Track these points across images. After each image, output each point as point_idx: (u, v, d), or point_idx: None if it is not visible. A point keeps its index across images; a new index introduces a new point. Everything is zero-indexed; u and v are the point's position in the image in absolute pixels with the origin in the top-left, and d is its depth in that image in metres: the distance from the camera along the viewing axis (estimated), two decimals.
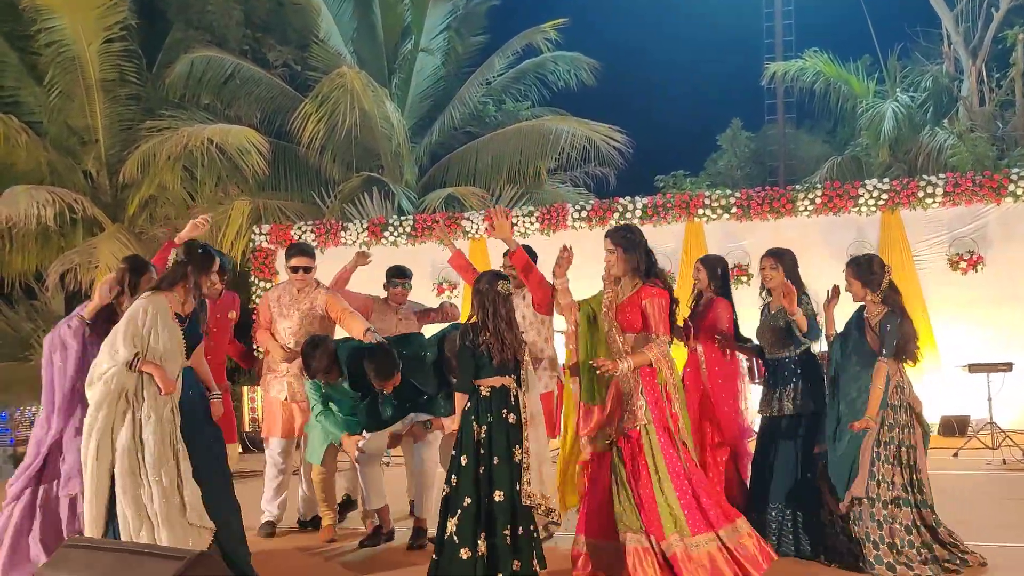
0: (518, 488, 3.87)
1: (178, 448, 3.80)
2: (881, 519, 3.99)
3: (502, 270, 5.01)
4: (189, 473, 3.79)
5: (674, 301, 4.15)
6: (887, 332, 4.09)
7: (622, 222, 10.14)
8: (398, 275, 5.83)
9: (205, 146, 11.96)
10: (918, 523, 4.05)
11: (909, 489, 4.06)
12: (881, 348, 4.10)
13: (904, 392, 4.14)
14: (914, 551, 3.95)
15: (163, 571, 2.62)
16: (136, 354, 3.73)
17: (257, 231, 11.79)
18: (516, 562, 3.81)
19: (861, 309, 4.36)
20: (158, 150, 11.98)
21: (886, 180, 9.89)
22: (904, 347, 4.15)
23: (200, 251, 4.07)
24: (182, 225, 12.43)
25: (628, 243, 4.09)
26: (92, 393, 3.77)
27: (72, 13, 11.84)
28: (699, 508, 3.80)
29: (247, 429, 10.28)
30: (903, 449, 4.08)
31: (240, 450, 10.08)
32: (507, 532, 3.81)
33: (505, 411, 3.95)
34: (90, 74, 12.34)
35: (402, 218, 11.36)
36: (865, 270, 4.25)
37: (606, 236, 4.23)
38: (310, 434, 5.19)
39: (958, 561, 4.00)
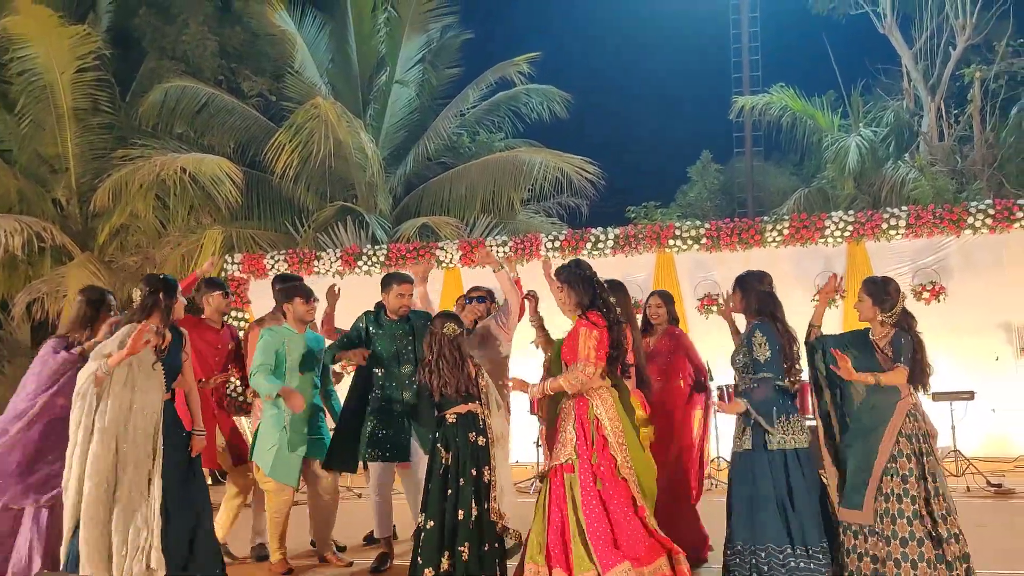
0: (486, 506, 4.06)
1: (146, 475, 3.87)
2: (916, 557, 3.77)
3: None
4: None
5: (615, 334, 4.11)
6: (901, 344, 3.99)
7: (594, 252, 10.31)
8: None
9: (178, 175, 11.94)
10: (945, 558, 3.83)
11: (946, 521, 3.89)
12: (897, 358, 3.96)
13: (919, 420, 4.01)
14: None
15: None
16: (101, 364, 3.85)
17: (230, 260, 11.75)
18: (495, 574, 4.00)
19: (864, 331, 4.25)
20: (130, 179, 11.93)
21: (851, 212, 10.14)
22: (918, 373, 4.07)
23: (163, 279, 4.19)
24: (153, 254, 12.55)
25: (572, 278, 4.16)
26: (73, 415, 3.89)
27: (45, 42, 11.82)
28: (614, 544, 3.79)
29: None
30: (925, 479, 3.90)
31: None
32: (464, 549, 3.96)
33: (473, 434, 4.14)
34: (62, 103, 12.30)
35: (376, 247, 11.39)
36: (880, 289, 4.16)
37: (555, 276, 4.29)
38: (278, 452, 4.89)
39: None
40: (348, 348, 5.07)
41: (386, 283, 5.18)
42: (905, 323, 4.13)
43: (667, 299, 5.27)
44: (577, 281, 4.14)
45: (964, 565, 3.86)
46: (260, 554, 5.38)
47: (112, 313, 4.64)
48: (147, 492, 3.84)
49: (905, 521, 3.81)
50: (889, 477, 3.89)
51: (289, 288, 5.22)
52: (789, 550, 3.97)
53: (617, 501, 3.87)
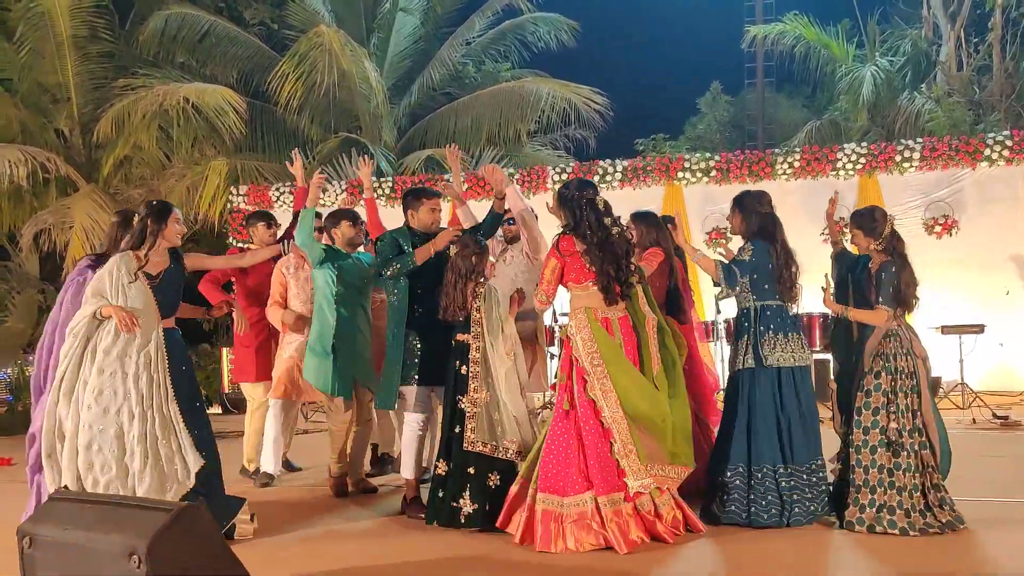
0: (457, 431, 4.19)
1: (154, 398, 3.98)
2: (868, 463, 3.99)
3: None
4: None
5: (595, 257, 3.99)
6: (882, 280, 4.08)
7: (602, 185, 10.19)
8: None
9: (181, 105, 11.78)
10: (920, 465, 3.99)
11: (912, 434, 4.00)
12: (877, 297, 4.09)
13: (902, 339, 4.10)
14: (919, 494, 3.93)
15: (150, 523, 2.63)
16: (99, 308, 3.93)
17: (235, 192, 11.69)
18: (463, 498, 4.11)
19: (866, 260, 4.32)
20: (132, 109, 11.78)
21: (864, 144, 9.98)
22: (901, 294, 4.10)
23: (155, 204, 4.20)
24: (158, 186, 12.49)
25: (560, 199, 4.13)
26: (63, 347, 4.00)
27: None
28: (578, 471, 3.79)
29: (227, 390, 10.27)
30: (902, 395, 4.02)
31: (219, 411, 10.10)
32: (439, 465, 4.25)
33: (457, 362, 4.28)
34: (61, 30, 12.06)
35: (381, 179, 11.29)
36: (867, 219, 4.24)
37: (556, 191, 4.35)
38: (326, 367, 4.90)
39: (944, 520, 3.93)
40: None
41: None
42: (892, 247, 4.19)
43: (637, 219, 4.79)
44: (563, 201, 4.11)
45: (937, 474, 4.06)
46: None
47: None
48: (162, 414, 3.95)
49: (862, 431, 4.04)
50: (860, 393, 4.10)
51: (332, 213, 5.22)
52: (782, 469, 4.08)
53: (585, 423, 3.86)
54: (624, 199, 9.82)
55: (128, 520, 2.70)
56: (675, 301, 4.77)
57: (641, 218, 4.82)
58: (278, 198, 11.32)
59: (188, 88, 11.93)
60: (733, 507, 4.09)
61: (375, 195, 5.58)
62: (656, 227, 4.79)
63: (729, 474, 4.13)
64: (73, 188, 12.29)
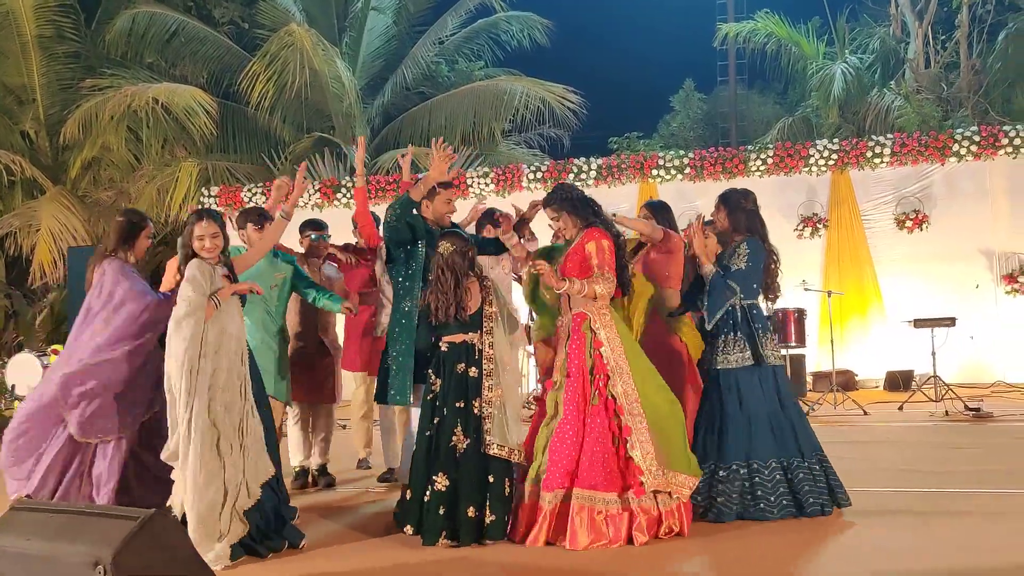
0: (476, 437, 3.92)
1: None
2: None
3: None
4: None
5: (621, 248, 4.07)
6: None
7: (577, 183, 10.18)
8: (312, 227, 5.56)
9: (150, 106, 11.62)
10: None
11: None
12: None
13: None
14: None
15: (115, 532, 2.56)
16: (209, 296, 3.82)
17: (206, 193, 11.55)
18: (470, 508, 3.83)
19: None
20: (100, 110, 11.60)
21: (836, 141, 10.06)
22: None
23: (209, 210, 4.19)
24: (127, 188, 12.28)
25: (568, 203, 4.11)
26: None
27: None
28: (569, 471, 3.76)
29: None
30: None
31: None
32: (438, 479, 3.87)
33: (462, 366, 3.99)
34: (25, 30, 11.87)
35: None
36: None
37: (544, 206, 4.23)
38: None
39: None
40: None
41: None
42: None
43: (655, 209, 4.81)
44: (573, 205, 4.08)
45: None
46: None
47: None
48: (242, 419, 3.85)
49: None
50: None
51: (242, 212, 5.03)
52: (796, 462, 4.04)
53: (600, 419, 3.82)
54: (599, 197, 9.62)
55: (93, 529, 2.63)
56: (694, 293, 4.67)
57: (660, 209, 4.80)
58: (250, 199, 11.19)
59: (157, 88, 11.77)
60: (731, 504, 4.00)
61: (365, 183, 5.35)
62: (670, 217, 4.79)
63: (723, 472, 4.03)
64: (40, 191, 12.08)
